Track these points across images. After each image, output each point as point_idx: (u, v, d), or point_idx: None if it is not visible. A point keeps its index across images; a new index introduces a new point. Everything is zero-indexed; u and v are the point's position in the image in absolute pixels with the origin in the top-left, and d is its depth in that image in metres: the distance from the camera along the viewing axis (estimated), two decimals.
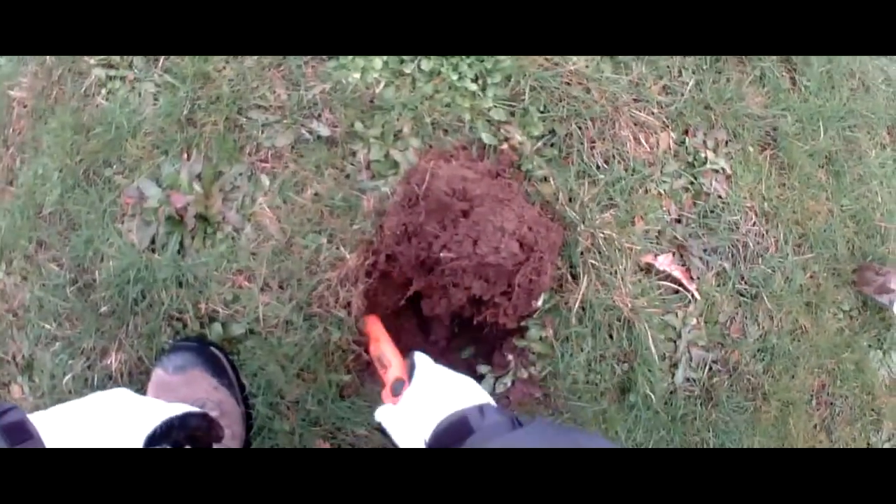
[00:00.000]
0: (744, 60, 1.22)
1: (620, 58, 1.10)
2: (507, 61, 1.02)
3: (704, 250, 1.11)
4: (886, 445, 1.32)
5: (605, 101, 1.05)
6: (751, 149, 1.17)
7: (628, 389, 1.05)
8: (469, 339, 1.10)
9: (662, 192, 1.09)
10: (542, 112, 1.03)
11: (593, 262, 1.01)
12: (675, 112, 1.11)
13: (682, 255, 1.10)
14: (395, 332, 1.05)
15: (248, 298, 0.94)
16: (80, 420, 0.61)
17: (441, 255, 0.90)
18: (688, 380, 1.09)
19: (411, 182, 0.94)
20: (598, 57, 1.08)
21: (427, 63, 1.01)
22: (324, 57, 1.01)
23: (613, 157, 1.05)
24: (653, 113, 1.09)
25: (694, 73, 1.16)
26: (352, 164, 0.97)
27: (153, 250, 0.96)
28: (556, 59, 1.05)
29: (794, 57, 1.27)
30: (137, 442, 0.61)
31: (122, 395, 0.67)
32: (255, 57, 1.01)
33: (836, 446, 1.26)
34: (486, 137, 1.00)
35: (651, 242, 1.07)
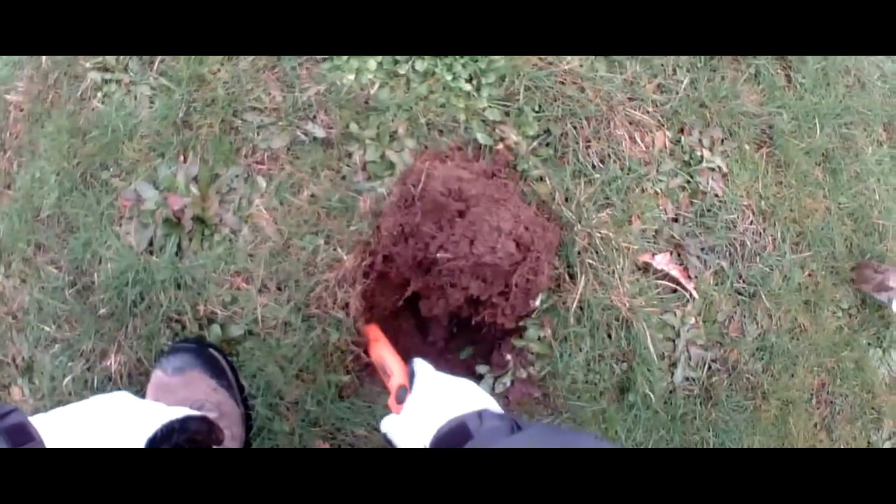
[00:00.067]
0: (738, 58, 1.22)
1: (615, 57, 1.10)
2: (501, 61, 1.03)
3: (702, 249, 1.11)
4: (887, 444, 1.32)
5: (599, 100, 1.06)
6: (747, 147, 1.17)
7: (627, 389, 1.04)
8: (467, 340, 1.10)
9: (659, 191, 1.09)
10: (537, 112, 1.03)
11: (591, 261, 1.01)
12: (671, 111, 1.12)
13: (679, 254, 1.10)
14: (393, 334, 1.05)
15: (247, 300, 0.94)
16: (81, 423, 0.61)
17: (438, 255, 0.90)
18: (687, 379, 1.09)
19: (407, 183, 0.94)
20: (593, 56, 1.08)
21: (421, 63, 1.01)
22: (318, 58, 1.01)
23: (609, 156, 1.05)
24: (648, 112, 1.09)
25: (688, 71, 1.16)
26: (348, 166, 0.98)
27: (151, 252, 0.96)
28: (551, 58, 1.05)
29: None
30: (138, 445, 0.62)
31: (122, 399, 0.67)
32: (250, 59, 1.01)
33: (836, 445, 1.26)
34: (482, 138, 1.00)
35: (648, 242, 1.07)
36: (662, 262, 1.07)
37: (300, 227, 0.95)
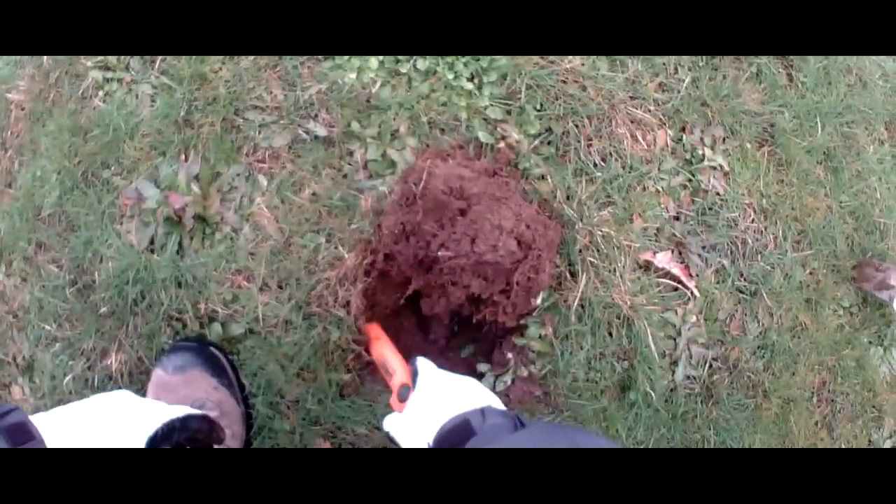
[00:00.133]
0: (740, 57, 1.22)
1: (616, 56, 1.10)
2: (502, 60, 1.03)
3: (703, 247, 1.11)
4: (888, 442, 1.32)
5: (601, 98, 1.06)
6: (748, 145, 1.17)
7: (628, 387, 1.04)
8: (469, 338, 1.10)
9: (660, 189, 1.09)
10: (538, 110, 1.03)
11: (592, 259, 1.01)
12: (672, 109, 1.12)
13: (680, 253, 1.10)
14: (394, 332, 1.05)
15: (248, 298, 0.94)
16: (82, 422, 0.61)
17: (439, 253, 0.90)
18: (688, 377, 1.09)
19: (409, 181, 0.94)
20: (594, 55, 1.08)
21: (423, 62, 1.01)
22: (320, 57, 1.01)
23: (611, 154, 1.05)
24: (649, 110, 1.09)
25: (690, 70, 1.16)
26: (349, 164, 0.98)
27: (152, 251, 0.96)
28: (552, 57, 1.05)
29: None
30: (138, 444, 0.62)
31: (123, 397, 0.67)
32: (252, 58, 1.01)
33: (837, 443, 1.26)
34: (483, 136, 1.00)
35: (650, 240, 1.07)
36: (664, 260, 1.07)
37: (301, 226, 0.95)
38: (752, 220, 1.16)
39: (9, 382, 1.06)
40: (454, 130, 1.00)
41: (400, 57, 1.02)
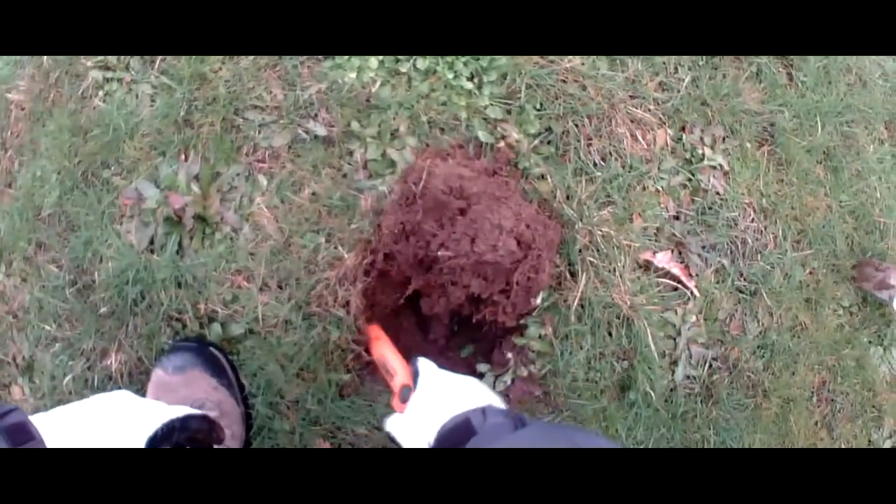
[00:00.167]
0: (740, 57, 1.22)
1: (616, 56, 1.10)
2: (502, 59, 1.02)
3: (703, 247, 1.11)
4: (888, 442, 1.32)
5: (601, 98, 1.06)
6: (748, 145, 1.17)
7: (628, 387, 1.04)
8: (468, 338, 1.10)
9: (660, 188, 1.09)
10: (538, 110, 1.03)
11: (592, 259, 1.01)
12: (672, 109, 1.12)
13: (680, 252, 1.10)
14: (394, 332, 1.05)
15: (247, 298, 0.94)
16: (82, 422, 0.61)
17: (439, 253, 0.90)
18: (688, 377, 1.09)
19: (408, 181, 0.94)
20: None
21: (423, 62, 1.01)
22: (319, 57, 1.01)
23: (610, 154, 1.05)
24: (649, 110, 1.09)
25: (690, 69, 1.16)
26: (349, 164, 0.98)
27: (152, 251, 0.96)
28: (552, 56, 1.05)
29: None
30: (138, 444, 0.62)
31: (123, 397, 0.67)
32: (251, 58, 1.01)
33: (837, 443, 1.26)
34: (483, 135, 1.00)
35: (649, 239, 1.07)
36: (663, 260, 1.07)
37: (301, 226, 0.95)
38: (752, 220, 1.16)
39: (9, 383, 1.06)
40: (454, 130, 1.00)
41: (400, 56, 1.02)
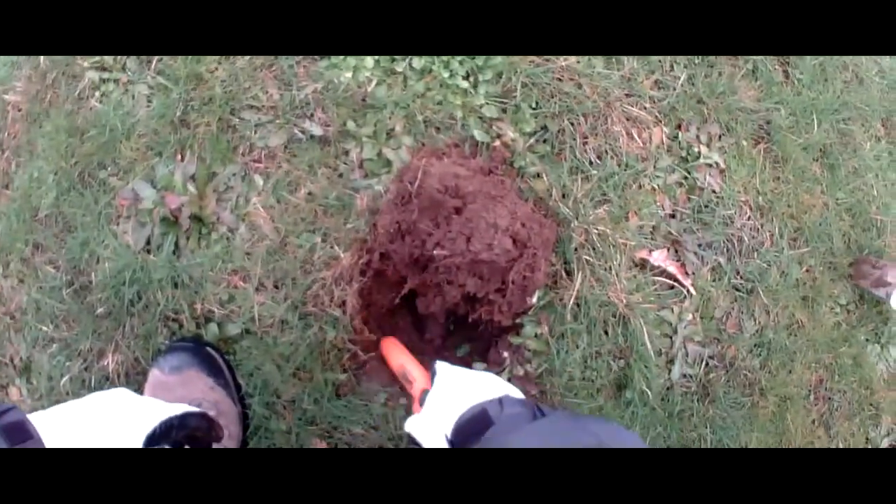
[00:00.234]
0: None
1: (612, 55, 1.10)
2: (498, 58, 1.03)
3: (699, 245, 1.11)
4: (885, 440, 1.32)
5: (597, 96, 1.06)
6: (744, 143, 1.17)
7: (624, 386, 1.04)
8: (464, 337, 1.10)
9: (656, 187, 1.09)
10: (533, 108, 1.03)
11: (587, 258, 1.01)
12: (668, 107, 1.12)
13: (676, 251, 1.10)
14: (390, 331, 1.05)
15: (244, 298, 0.94)
16: (80, 420, 0.61)
17: (435, 252, 0.90)
18: (684, 376, 1.09)
19: (404, 180, 0.94)
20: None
21: (418, 61, 1.01)
22: (315, 56, 1.01)
23: (606, 152, 1.06)
24: (645, 108, 1.09)
25: (686, 67, 1.16)
26: (345, 163, 0.98)
27: (148, 251, 0.96)
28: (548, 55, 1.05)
29: None
30: (137, 442, 0.61)
31: (121, 395, 0.67)
32: (247, 58, 1.01)
33: (834, 441, 1.26)
34: (479, 134, 1.00)
35: (645, 238, 1.07)
36: (660, 258, 1.07)
37: (297, 225, 0.95)
38: (749, 218, 1.16)
39: (6, 384, 1.06)
40: (450, 129, 1.00)
41: (396, 56, 1.02)
